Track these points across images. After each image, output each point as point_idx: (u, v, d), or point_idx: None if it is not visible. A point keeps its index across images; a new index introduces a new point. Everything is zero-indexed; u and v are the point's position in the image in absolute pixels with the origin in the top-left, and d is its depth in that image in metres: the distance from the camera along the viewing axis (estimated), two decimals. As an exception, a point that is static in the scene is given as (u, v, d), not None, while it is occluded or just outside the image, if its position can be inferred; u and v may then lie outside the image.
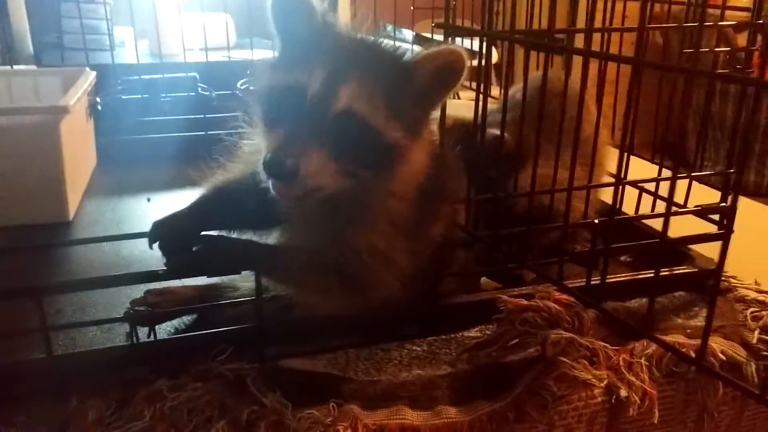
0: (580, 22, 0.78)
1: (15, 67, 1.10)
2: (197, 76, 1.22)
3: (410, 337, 0.66)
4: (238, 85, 1.15)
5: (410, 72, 0.56)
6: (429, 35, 2.29)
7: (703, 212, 0.73)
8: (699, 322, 0.70)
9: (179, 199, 1.01)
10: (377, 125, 0.54)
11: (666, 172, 0.78)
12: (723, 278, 0.76)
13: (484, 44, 0.67)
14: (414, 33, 2.64)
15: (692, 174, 0.74)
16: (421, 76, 0.55)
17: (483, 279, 0.77)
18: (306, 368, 0.61)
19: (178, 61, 2.59)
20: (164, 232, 0.61)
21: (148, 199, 1.02)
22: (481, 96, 0.69)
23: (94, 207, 0.99)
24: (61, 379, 0.57)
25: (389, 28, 2.67)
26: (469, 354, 0.63)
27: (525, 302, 0.62)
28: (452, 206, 0.67)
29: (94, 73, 1.07)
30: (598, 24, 0.81)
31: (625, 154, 0.75)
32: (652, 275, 0.73)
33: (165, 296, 0.69)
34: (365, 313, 0.63)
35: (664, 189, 0.76)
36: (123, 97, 1.15)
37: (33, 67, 1.11)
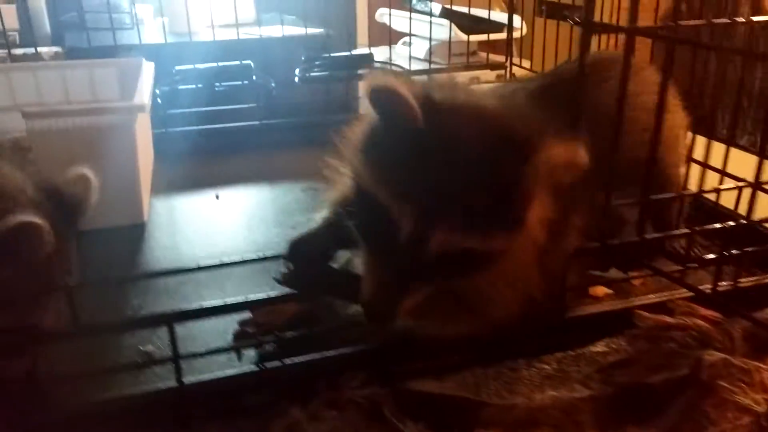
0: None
1: (68, 60, 1.05)
2: (252, 64, 1.16)
3: (537, 353, 0.63)
4: (297, 72, 1.10)
5: (519, 179, 0.47)
6: (464, 9, 2.22)
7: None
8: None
9: (248, 196, 0.99)
10: (479, 247, 0.48)
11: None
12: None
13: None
14: (442, 7, 2.57)
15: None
16: (531, 180, 0.47)
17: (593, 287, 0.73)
18: (437, 391, 0.58)
19: (205, 40, 2.53)
20: (300, 253, 0.57)
21: (217, 196, 0.98)
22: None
23: (164, 206, 0.95)
24: (189, 408, 0.53)
25: (415, 1, 2.60)
26: (603, 373, 0.60)
27: (670, 319, 0.59)
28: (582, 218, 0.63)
29: (152, 65, 1.01)
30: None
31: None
32: None
33: (272, 315, 0.65)
34: (490, 331, 0.59)
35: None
36: (180, 87, 1.10)
37: (84, 60, 1.06)
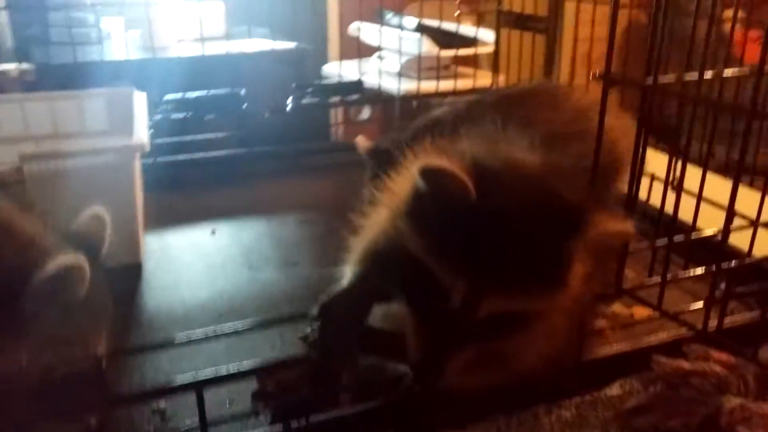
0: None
1: (55, 92, 1.01)
2: (243, 92, 1.15)
3: (555, 398, 0.64)
4: (288, 102, 1.09)
5: (569, 249, 0.48)
6: (436, 23, 2.23)
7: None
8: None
9: (244, 230, 0.98)
10: (525, 308, 0.49)
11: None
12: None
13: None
14: (418, 21, 2.58)
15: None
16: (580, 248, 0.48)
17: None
18: (463, 442, 0.58)
19: (173, 56, 2.49)
20: (333, 316, 0.56)
21: (213, 232, 0.96)
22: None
23: (159, 243, 0.93)
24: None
25: (389, 16, 2.61)
26: (621, 419, 0.61)
27: (687, 365, 0.60)
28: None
29: (144, 95, 0.99)
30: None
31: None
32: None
33: (292, 371, 0.64)
34: (516, 380, 0.60)
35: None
36: (172, 117, 1.08)
37: (73, 91, 1.03)
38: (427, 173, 0.46)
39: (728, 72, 0.71)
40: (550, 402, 0.63)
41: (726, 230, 0.62)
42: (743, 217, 0.75)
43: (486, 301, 0.46)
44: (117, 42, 2.57)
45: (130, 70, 2.01)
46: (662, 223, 0.71)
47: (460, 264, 0.46)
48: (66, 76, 1.46)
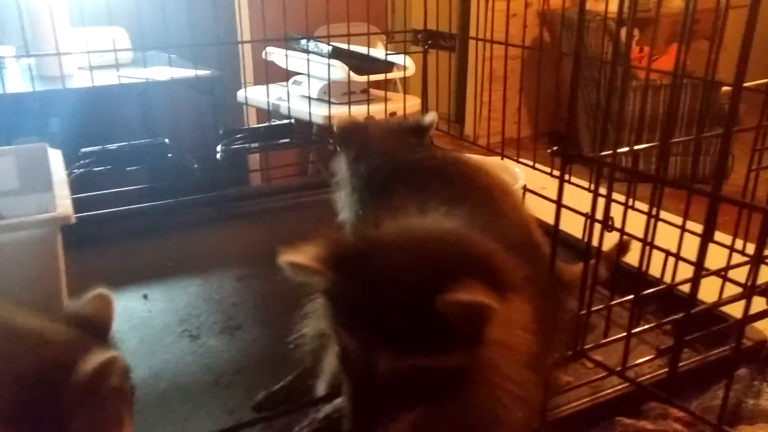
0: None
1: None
2: (167, 142, 1.09)
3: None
4: (218, 149, 1.05)
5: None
6: (345, 46, 2.23)
7: (765, 292, 0.75)
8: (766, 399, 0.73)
9: (180, 292, 0.93)
10: (432, 365, 0.49)
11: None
12: (773, 347, 0.79)
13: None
14: (331, 47, 2.57)
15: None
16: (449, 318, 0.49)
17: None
18: None
19: (75, 86, 2.37)
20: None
21: (145, 296, 0.91)
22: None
23: (86, 313, 0.86)
24: None
25: (303, 42, 2.58)
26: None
27: (650, 426, 0.61)
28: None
29: (59, 152, 0.92)
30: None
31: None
32: (716, 358, 0.76)
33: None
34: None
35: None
36: (94, 169, 1.01)
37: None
38: (287, 268, 0.53)
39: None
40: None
41: (672, 283, 0.64)
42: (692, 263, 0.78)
43: (380, 361, 0.48)
44: (12, 72, 2.42)
45: (33, 103, 1.90)
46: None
47: (351, 330, 0.50)
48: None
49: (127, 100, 2.57)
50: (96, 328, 0.56)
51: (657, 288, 0.72)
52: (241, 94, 2.82)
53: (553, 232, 0.60)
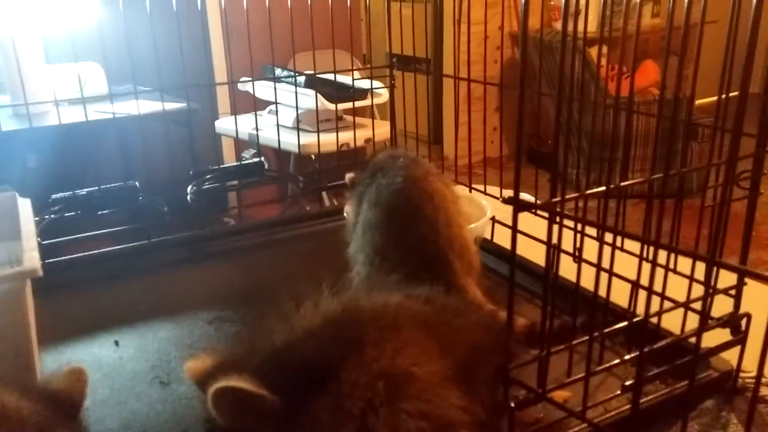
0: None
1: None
2: (137, 185, 1.10)
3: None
4: (189, 190, 1.06)
5: None
6: (327, 76, 2.25)
7: (725, 325, 0.77)
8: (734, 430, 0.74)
9: (151, 338, 0.93)
10: None
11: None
12: (738, 377, 0.81)
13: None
14: (306, 76, 2.59)
15: (717, 290, 0.77)
16: None
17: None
18: None
19: (52, 124, 2.37)
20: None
21: (116, 343, 0.91)
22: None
23: (56, 363, 0.85)
24: None
25: (278, 70, 2.60)
26: None
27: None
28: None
29: (28, 201, 0.92)
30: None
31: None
32: (682, 390, 0.77)
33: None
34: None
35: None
36: (66, 215, 1.01)
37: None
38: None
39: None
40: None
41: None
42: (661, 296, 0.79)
43: None
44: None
45: (10, 141, 1.90)
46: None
47: None
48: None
49: (103, 134, 2.57)
50: (67, 405, 0.56)
51: (617, 326, 0.72)
52: (218, 125, 2.83)
53: (509, 275, 0.61)
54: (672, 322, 0.79)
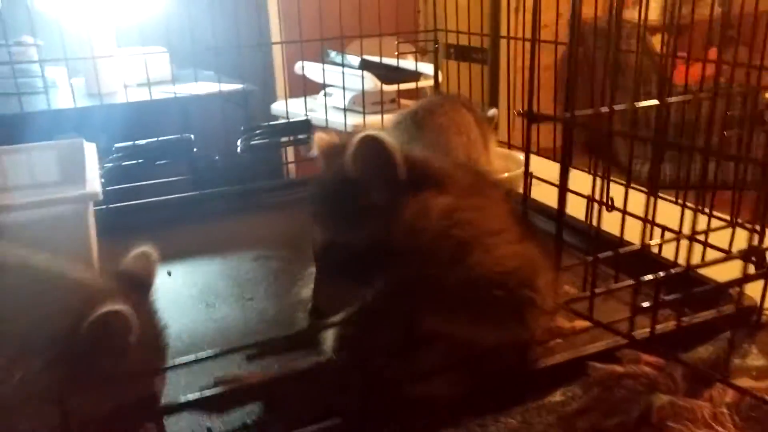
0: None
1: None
2: (192, 137, 1.18)
3: (501, 408, 0.67)
4: (239, 143, 1.13)
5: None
6: (376, 58, 2.31)
7: (746, 257, 0.78)
8: (753, 361, 0.75)
9: (200, 270, 1.00)
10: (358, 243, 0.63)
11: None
12: (762, 312, 0.82)
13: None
14: (361, 59, 2.66)
15: (738, 223, 0.79)
16: None
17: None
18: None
19: (119, 102, 2.51)
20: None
21: (169, 273, 0.98)
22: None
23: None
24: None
25: (332, 54, 2.68)
26: (564, 422, 0.65)
27: (621, 369, 0.65)
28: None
29: (93, 146, 1.01)
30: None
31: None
32: (701, 321, 0.78)
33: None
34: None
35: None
36: (123, 164, 1.10)
37: (22, 145, 1.04)
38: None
39: (643, 103, 0.78)
40: (496, 411, 0.67)
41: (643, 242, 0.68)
42: (669, 229, 0.81)
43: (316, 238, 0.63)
44: (63, 90, 2.58)
45: (78, 118, 2.03)
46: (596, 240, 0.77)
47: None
48: (14, 126, 1.48)
49: (167, 112, 2.70)
50: (139, 283, 0.61)
51: (632, 247, 0.75)
52: (274, 107, 2.93)
53: (558, 209, 0.65)
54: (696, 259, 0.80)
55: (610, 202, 0.95)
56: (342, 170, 0.59)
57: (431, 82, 2.78)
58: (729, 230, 0.84)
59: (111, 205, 1.11)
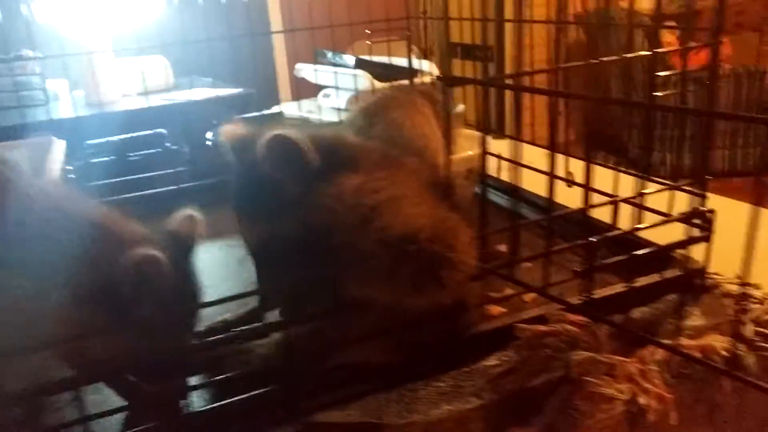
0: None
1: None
2: (165, 132, 1.21)
3: (434, 373, 0.69)
4: (208, 135, 1.16)
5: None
6: (368, 57, 2.33)
7: (688, 219, 0.78)
8: (693, 321, 0.75)
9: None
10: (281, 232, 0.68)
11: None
12: (707, 276, 0.81)
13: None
14: (356, 58, 2.68)
15: (678, 186, 0.79)
16: None
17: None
18: (342, 420, 0.63)
19: (117, 110, 2.57)
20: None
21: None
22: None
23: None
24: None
25: (329, 54, 2.71)
26: (493, 383, 0.66)
27: (544, 328, 0.66)
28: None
29: (63, 142, 1.05)
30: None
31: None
32: (644, 284, 0.79)
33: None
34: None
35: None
36: (93, 161, 1.14)
37: (-4, 143, 1.09)
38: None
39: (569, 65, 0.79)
40: (429, 377, 0.68)
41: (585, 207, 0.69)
42: (605, 193, 0.82)
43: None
44: (64, 102, 2.65)
45: (77, 126, 2.09)
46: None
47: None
48: (17, 137, 1.53)
49: (168, 120, 2.76)
50: (182, 243, 0.64)
51: (569, 210, 0.76)
52: (275, 111, 2.97)
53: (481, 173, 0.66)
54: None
55: (569, 177, 0.95)
56: (256, 168, 0.62)
57: (429, 78, 2.80)
58: (674, 195, 0.84)
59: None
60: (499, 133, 1.06)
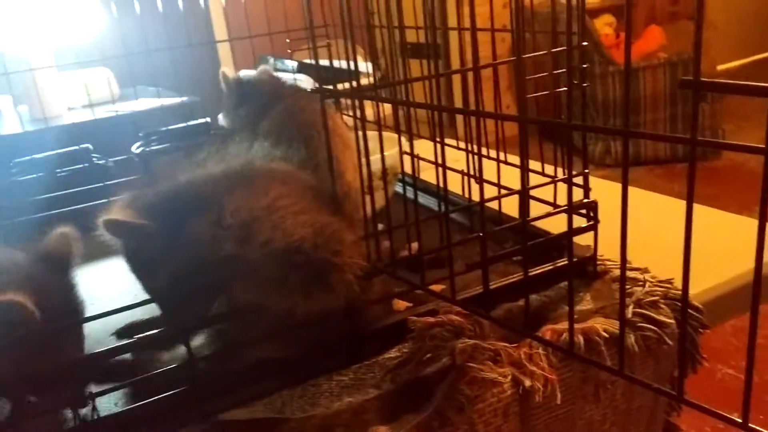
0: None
1: None
2: (90, 147, 1.23)
3: (337, 368, 0.73)
4: (133, 149, 1.18)
5: None
6: (310, 61, 2.36)
7: (573, 210, 0.83)
8: (584, 306, 0.80)
9: (97, 274, 1.04)
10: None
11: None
12: (599, 262, 0.87)
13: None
14: (298, 62, 2.71)
15: (566, 179, 0.84)
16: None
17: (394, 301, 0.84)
18: (246, 417, 0.67)
19: (64, 123, 2.56)
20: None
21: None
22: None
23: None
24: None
25: (271, 60, 2.73)
26: (391, 374, 0.70)
27: (432, 319, 0.70)
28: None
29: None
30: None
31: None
32: (534, 274, 0.83)
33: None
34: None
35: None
36: (19, 179, 1.15)
37: None
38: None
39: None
40: (330, 372, 0.72)
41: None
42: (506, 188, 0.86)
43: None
44: (9, 118, 2.63)
45: (23, 142, 2.09)
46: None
47: None
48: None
49: (114, 131, 2.76)
50: (58, 261, 0.65)
51: (462, 205, 0.80)
52: (221, 118, 2.98)
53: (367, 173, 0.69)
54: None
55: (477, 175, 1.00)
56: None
57: (371, 80, 2.85)
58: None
59: (16, 220, 1.16)
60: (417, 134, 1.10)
